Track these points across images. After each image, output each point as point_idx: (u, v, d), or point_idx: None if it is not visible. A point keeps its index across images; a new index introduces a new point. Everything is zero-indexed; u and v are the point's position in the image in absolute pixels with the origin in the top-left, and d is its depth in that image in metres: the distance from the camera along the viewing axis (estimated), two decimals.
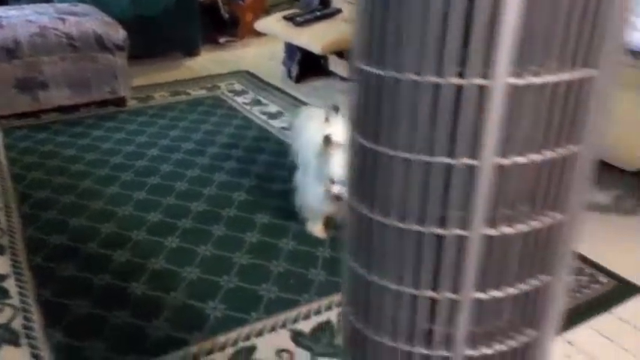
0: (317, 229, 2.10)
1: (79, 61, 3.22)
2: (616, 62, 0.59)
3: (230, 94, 3.68)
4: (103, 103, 3.43)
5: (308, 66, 3.92)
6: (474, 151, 0.57)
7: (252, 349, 1.58)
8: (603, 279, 1.91)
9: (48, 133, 3.06)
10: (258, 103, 3.53)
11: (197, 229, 2.16)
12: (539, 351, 0.69)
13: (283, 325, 1.67)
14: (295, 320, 1.69)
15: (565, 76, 0.54)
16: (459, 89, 0.55)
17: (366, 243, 0.70)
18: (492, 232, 0.60)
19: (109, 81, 3.35)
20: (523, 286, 0.64)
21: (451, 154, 0.57)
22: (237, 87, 3.83)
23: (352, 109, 0.69)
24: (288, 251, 2.01)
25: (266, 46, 4.91)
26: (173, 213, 2.25)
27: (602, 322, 1.74)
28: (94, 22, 3.28)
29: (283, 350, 1.58)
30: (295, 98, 3.59)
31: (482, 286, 0.63)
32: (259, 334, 1.64)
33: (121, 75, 3.37)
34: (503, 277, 0.63)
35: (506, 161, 0.57)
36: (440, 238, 0.61)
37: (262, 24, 3.68)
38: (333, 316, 1.71)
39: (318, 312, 1.72)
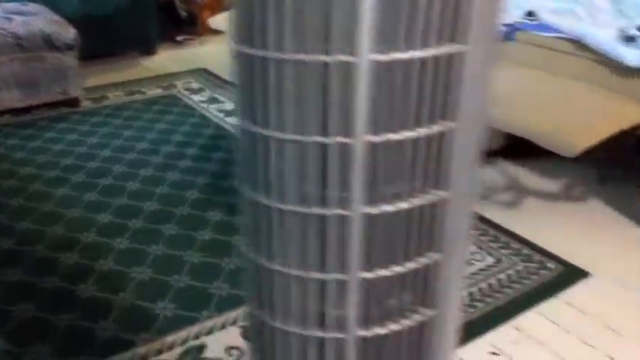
0: None
1: (28, 62, 3.14)
2: (490, 39, 0.59)
3: (186, 93, 3.64)
4: (56, 105, 3.36)
5: None
6: (347, 130, 0.56)
7: (201, 348, 1.57)
8: (551, 265, 1.95)
9: None
10: (214, 100, 3.50)
11: (148, 228, 2.13)
12: (437, 330, 0.70)
13: (234, 323, 1.66)
14: (246, 318, 1.68)
15: (431, 51, 0.54)
16: (326, 67, 0.54)
17: (254, 226, 0.70)
18: (373, 210, 0.60)
19: (60, 81, 3.27)
20: (412, 265, 0.64)
21: (324, 132, 0.57)
22: (194, 85, 3.79)
23: (235, 92, 0.69)
24: (240, 249, 2.00)
25: (224, 44, 4.86)
26: (124, 213, 2.21)
27: (549, 307, 1.77)
28: (42, 22, 3.21)
29: (233, 347, 1.57)
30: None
31: (369, 266, 0.63)
32: (209, 332, 1.62)
33: (73, 75, 3.30)
34: (390, 256, 0.63)
35: (378, 138, 0.57)
36: (322, 219, 0.61)
37: (216, 20, 3.64)
38: None
39: None
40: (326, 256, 0.63)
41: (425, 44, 0.54)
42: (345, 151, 0.58)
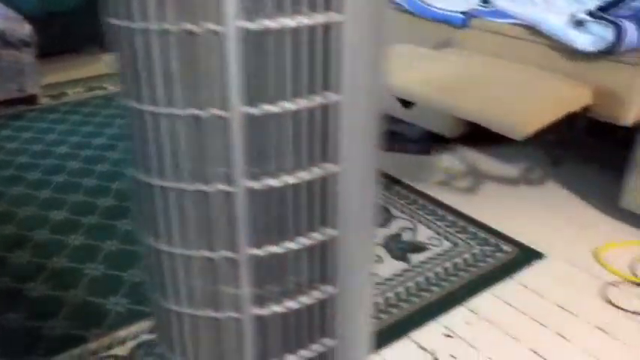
0: None
1: None
2: (373, 10, 0.59)
3: None
4: (12, 102, 3.29)
5: None
6: (223, 102, 0.55)
7: (154, 342, 1.55)
8: (507, 248, 1.97)
9: None
10: None
11: (103, 224, 2.09)
12: (339, 307, 0.69)
13: None
14: None
15: (304, 20, 0.53)
16: (193, 36, 0.53)
17: (140, 205, 0.69)
18: (257, 185, 0.59)
19: (17, 78, 3.21)
20: (305, 241, 0.63)
21: (199, 105, 0.56)
22: None
23: (119, 72, 0.67)
24: None
25: None
26: (78, 210, 2.17)
27: (504, 288, 1.79)
28: None
29: None
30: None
31: (258, 243, 0.62)
32: None
33: (30, 72, 3.23)
34: (281, 232, 0.62)
35: (256, 110, 0.56)
36: (205, 196, 0.60)
37: None
38: None
39: None
40: (213, 234, 0.61)
41: (297, 12, 0.53)
42: (222, 124, 0.57)
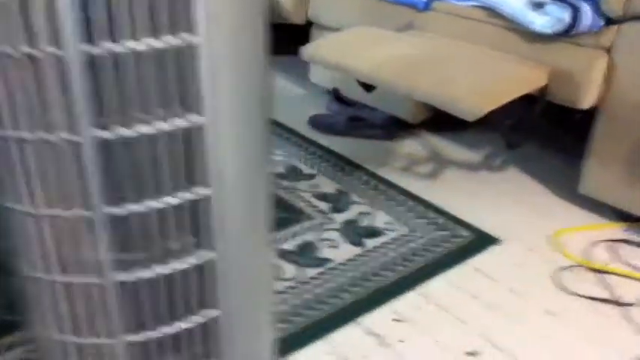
0: None
1: None
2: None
3: None
4: None
5: None
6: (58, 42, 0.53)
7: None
8: (464, 233, 1.96)
9: None
10: None
11: None
12: (221, 274, 0.67)
13: None
14: None
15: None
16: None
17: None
18: (106, 134, 0.57)
19: None
20: (170, 200, 0.61)
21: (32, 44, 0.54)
22: None
23: None
24: None
25: None
26: None
27: (458, 273, 1.78)
28: None
29: None
30: None
31: (115, 200, 0.60)
32: None
33: None
34: (142, 190, 0.60)
35: (95, 50, 0.54)
36: (51, 146, 0.58)
37: None
38: None
39: None
40: (65, 191, 0.59)
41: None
42: (61, 68, 0.54)
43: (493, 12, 2.21)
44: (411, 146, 2.56)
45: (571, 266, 1.81)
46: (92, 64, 0.55)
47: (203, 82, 0.57)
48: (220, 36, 0.57)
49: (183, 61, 0.56)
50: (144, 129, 0.57)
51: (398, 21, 2.47)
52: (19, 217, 0.64)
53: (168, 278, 0.63)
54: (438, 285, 1.73)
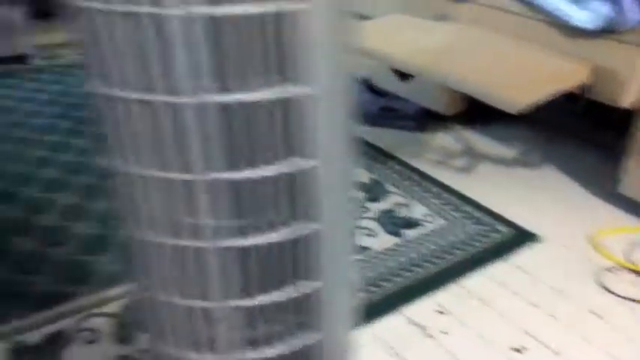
0: None
1: None
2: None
3: None
4: (3, 61, 3.22)
5: None
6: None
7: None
8: (502, 228, 1.95)
9: None
10: None
11: (93, 184, 2.06)
12: (321, 242, 0.66)
13: None
14: None
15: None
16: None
17: (110, 129, 0.67)
18: (226, 99, 0.56)
19: (7, 37, 3.13)
20: (281, 168, 0.60)
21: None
22: None
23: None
24: None
25: None
26: (69, 169, 2.13)
27: (498, 269, 1.78)
28: None
29: None
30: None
31: (230, 166, 0.59)
32: None
33: (21, 31, 3.16)
34: (254, 157, 0.59)
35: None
36: (174, 110, 0.57)
37: None
38: None
39: None
40: (180, 155, 0.58)
41: None
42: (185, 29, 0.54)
43: (532, 5, 2.19)
44: (443, 139, 2.55)
45: (611, 267, 1.81)
46: (214, 27, 0.54)
47: (311, 52, 0.57)
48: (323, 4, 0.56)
49: (296, 30, 0.55)
50: (261, 95, 0.56)
51: (432, 11, 2.45)
52: (128, 179, 0.64)
53: (275, 247, 0.63)
54: (479, 280, 1.72)
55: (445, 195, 2.13)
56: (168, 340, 0.69)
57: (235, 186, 0.60)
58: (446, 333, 1.52)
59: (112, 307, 1.50)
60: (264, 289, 0.63)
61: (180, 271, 0.65)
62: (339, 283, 0.69)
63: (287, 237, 0.63)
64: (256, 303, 0.63)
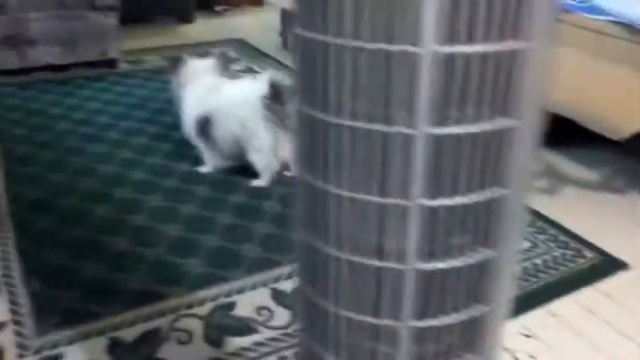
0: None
1: (69, 20, 3.15)
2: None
3: None
4: (93, 64, 3.37)
5: None
6: (414, 37, 0.54)
7: (231, 305, 1.56)
8: (589, 254, 1.90)
9: (36, 92, 3.01)
10: (250, 70, 3.47)
11: (181, 188, 2.12)
12: (496, 272, 0.67)
13: (265, 285, 1.65)
14: (276, 280, 1.67)
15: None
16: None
17: (307, 145, 0.69)
18: (439, 130, 0.57)
19: (100, 42, 3.28)
20: (476, 197, 0.61)
21: (390, 39, 0.55)
22: (231, 54, 3.77)
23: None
24: (273, 214, 1.99)
25: (262, 16, 4.84)
26: (157, 172, 2.21)
27: (586, 295, 1.73)
28: None
29: (263, 308, 1.56)
30: (289, 67, 3.54)
31: (433, 193, 0.59)
32: (240, 291, 1.62)
33: (112, 36, 3.30)
34: (454, 185, 0.59)
35: (447, 49, 0.54)
36: (385, 137, 0.59)
37: None
38: None
39: None
40: (386, 179, 0.59)
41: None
42: (410, 62, 0.55)
43: (631, 28, 2.13)
44: None
45: None
46: (444, 62, 0.56)
47: (524, 87, 0.58)
48: (540, 40, 0.57)
49: (509, 66, 0.57)
50: (474, 127, 0.58)
51: None
52: (321, 195, 0.66)
53: (457, 271, 0.64)
54: (567, 306, 1.68)
55: (529, 217, 2.09)
56: (341, 355, 0.71)
57: (432, 212, 0.62)
58: (534, 357, 1.49)
59: (202, 309, 1.54)
60: (443, 310, 0.65)
61: (360, 288, 0.67)
62: (502, 308, 0.70)
63: (471, 261, 0.65)
64: (432, 324, 0.65)
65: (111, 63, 3.39)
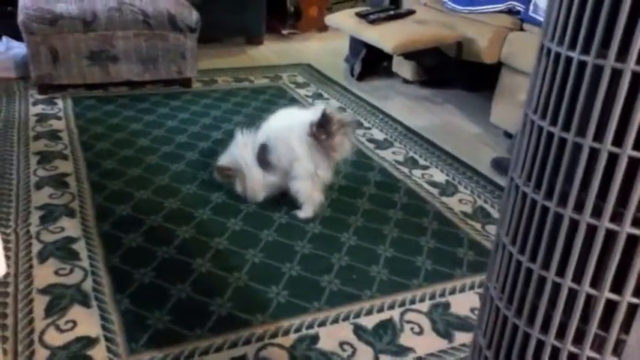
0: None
1: (151, 39, 3.28)
2: None
3: (292, 86, 3.70)
4: (169, 82, 3.49)
5: (371, 65, 3.91)
6: None
7: (315, 338, 1.58)
8: None
9: (115, 106, 3.13)
10: (319, 96, 3.54)
11: (259, 214, 2.17)
12: None
13: (346, 319, 1.67)
14: (357, 315, 1.69)
15: None
16: None
17: (535, 233, 0.70)
18: None
19: (177, 61, 3.40)
20: None
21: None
22: (300, 79, 3.85)
23: (535, 95, 0.69)
24: (350, 246, 2.01)
25: (327, 41, 4.92)
26: (236, 196, 2.26)
27: None
28: (169, 2, 3.34)
29: (346, 343, 1.58)
30: (356, 95, 3.59)
31: None
32: (322, 324, 1.64)
33: (190, 56, 3.41)
34: None
35: None
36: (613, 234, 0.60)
37: (333, 18, 3.68)
38: (395, 314, 1.70)
39: (380, 309, 1.72)
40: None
41: None
42: None
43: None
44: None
45: None
46: None
47: None
48: None
49: None
50: None
51: None
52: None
53: None
54: None
55: None
56: None
57: None
58: None
59: (287, 340, 1.57)
60: None
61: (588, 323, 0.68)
62: None
63: None
64: None
65: (185, 82, 3.50)
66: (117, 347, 1.51)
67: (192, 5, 3.44)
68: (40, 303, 1.64)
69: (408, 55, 3.39)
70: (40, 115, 2.94)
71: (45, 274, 1.76)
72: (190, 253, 1.91)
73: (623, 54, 0.60)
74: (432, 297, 1.78)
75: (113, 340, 1.54)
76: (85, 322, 1.58)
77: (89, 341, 1.52)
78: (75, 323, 1.58)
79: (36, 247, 1.88)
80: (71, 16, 3.07)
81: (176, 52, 3.37)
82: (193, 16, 3.35)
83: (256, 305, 1.69)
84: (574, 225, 0.66)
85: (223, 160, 2.24)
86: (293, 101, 3.41)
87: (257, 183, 2.18)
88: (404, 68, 3.81)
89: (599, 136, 0.63)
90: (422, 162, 2.71)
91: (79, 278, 1.75)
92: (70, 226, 2.00)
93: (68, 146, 2.61)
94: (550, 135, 0.68)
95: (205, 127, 2.93)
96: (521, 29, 3.07)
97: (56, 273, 1.76)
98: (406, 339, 1.61)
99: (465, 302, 1.77)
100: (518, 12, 3.09)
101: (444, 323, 1.68)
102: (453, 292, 1.82)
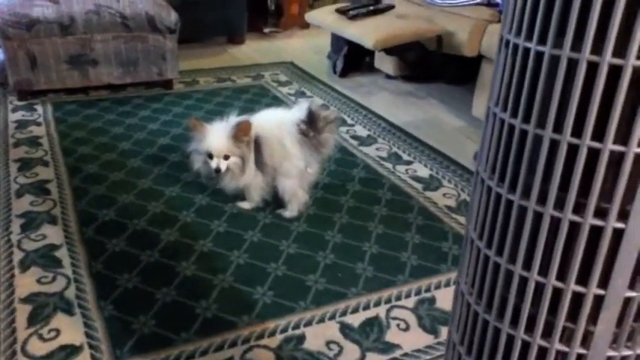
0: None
1: (130, 41, 3.25)
2: None
3: (274, 84, 3.69)
4: (151, 85, 3.46)
5: (353, 61, 3.91)
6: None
7: (302, 338, 1.58)
8: None
9: (96, 110, 3.10)
10: (302, 94, 3.53)
11: (243, 215, 2.16)
12: None
13: (332, 317, 1.66)
14: (344, 313, 1.68)
15: None
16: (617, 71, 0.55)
17: (501, 226, 0.70)
18: None
19: (158, 63, 3.37)
20: None
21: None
22: (282, 77, 3.83)
23: (496, 87, 0.69)
24: (335, 244, 2.01)
25: (309, 39, 4.91)
26: (220, 198, 2.25)
27: None
28: (147, 3, 3.31)
29: (333, 342, 1.58)
30: (339, 92, 3.58)
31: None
32: (308, 323, 1.64)
33: (170, 57, 3.39)
34: None
35: None
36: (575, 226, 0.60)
37: (313, 15, 3.67)
38: (381, 311, 1.70)
39: (366, 307, 1.72)
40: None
41: None
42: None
43: None
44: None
45: None
46: None
47: None
48: None
49: None
50: None
51: None
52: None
53: None
54: None
55: None
56: None
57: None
58: None
59: (273, 341, 1.57)
60: None
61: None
62: None
63: None
64: None
65: (167, 83, 3.47)
66: (101, 354, 1.50)
67: (170, 6, 3.42)
68: (23, 312, 1.62)
69: (389, 51, 3.38)
70: (20, 122, 2.90)
71: (27, 282, 1.74)
72: (175, 256, 1.90)
73: (578, 43, 0.60)
74: (418, 292, 1.79)
75: (97, 348, 1.52)
76: (69, 330, 1.57)
77: (73, 349, 1.51)
78: (58, 332, 1.56)
79: (17, 255, 1.86)
80: (48, 20, 3.03)
81: (156, 54, 3.35)
82: (172, 17, 3.33)
83: (242, 307, 1.68)
84: (538, 217, 0.67)
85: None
86: (276, 100, 3.40)
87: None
88: (386, 64, 3.81)
89: (558, 127, 0.63)
90: (405, 157, 2.71)
91: (61, 286, 1.73)
92: (52, 234, 1.98)
93: (49, 152, 2.58)
94: (511, 127, 0.68)
95: (188, 129, 2.90)
96: (500, 21, 3.07)
97: (38, 281, 1.75)
98: (392, 336, 1.61)
99: (450, 297, 1.77)
100: (497, 4, 3.11)
101: (430, 318, 1.68)
102: (438, 286, 1.82)
